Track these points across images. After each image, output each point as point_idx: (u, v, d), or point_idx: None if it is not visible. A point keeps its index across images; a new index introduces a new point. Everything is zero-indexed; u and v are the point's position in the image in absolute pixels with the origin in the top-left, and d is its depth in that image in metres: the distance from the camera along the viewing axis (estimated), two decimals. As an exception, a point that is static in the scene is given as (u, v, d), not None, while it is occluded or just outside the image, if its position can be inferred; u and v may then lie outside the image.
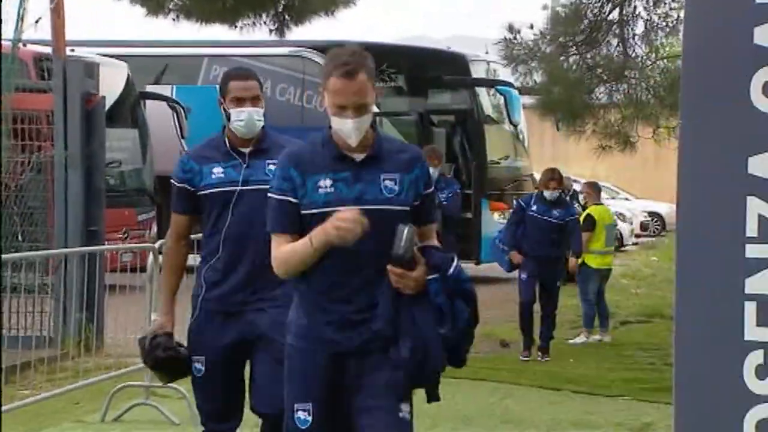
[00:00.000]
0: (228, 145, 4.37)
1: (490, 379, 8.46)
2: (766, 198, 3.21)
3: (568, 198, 10.09)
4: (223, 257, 4.30)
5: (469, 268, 15.82)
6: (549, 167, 10.10)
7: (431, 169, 9.16)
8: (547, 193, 9.63)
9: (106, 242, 9.81)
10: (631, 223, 23.95)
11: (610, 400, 8.01)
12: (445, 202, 10.11)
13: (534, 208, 9.63)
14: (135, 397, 7.09)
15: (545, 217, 9.61)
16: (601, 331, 10.85)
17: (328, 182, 3.49)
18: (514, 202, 9.95)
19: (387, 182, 3.51)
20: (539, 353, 9.59)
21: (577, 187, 15.77)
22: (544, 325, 9.70)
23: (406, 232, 3.38)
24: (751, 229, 3.23)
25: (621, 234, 22.35)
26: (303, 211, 3.50)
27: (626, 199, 27.37)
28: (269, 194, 3.57)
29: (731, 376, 3.18)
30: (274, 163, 4.11)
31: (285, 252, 3.51)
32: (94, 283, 8.53)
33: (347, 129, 3.45)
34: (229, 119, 4.36)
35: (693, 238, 3.32)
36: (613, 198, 26.30)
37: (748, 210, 3.23)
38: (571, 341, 10.54)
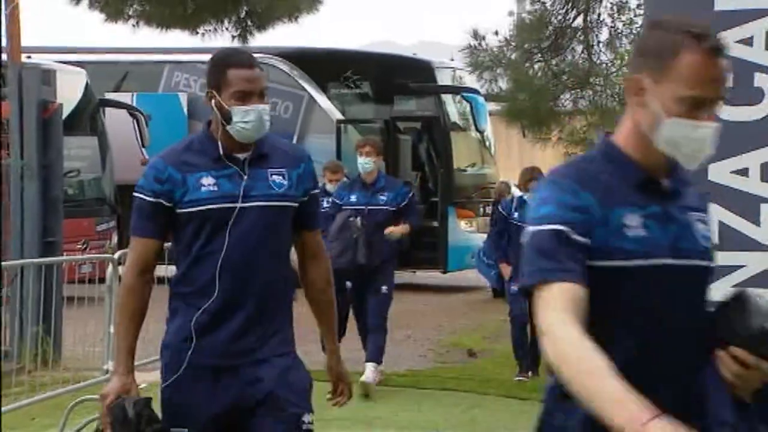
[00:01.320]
0: (222, 149, 3.35)
1: (458, 389, 8.36)
2: (725, 205, 3.19)
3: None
4: (220, 295, 3.30)
5: (436, 277, 15.76)
6: (528, 166, 9.13)
7: (371, 163, 8.73)
8: (527, 196, 8.59)
9: (64, 253, 9.64)
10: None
11: (577, 409, 7.97)
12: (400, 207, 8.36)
13: (516, 215, 8.66)
14: (93, 412, 6.91)
15: None
16: None
17: (638, 220, 2.25)
18: (489, 210, 9.39)
19: (700, 225, 2.33)
20: (529, 372, 8.65)
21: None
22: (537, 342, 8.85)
23: (765, 301, 2.29)
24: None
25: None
26: (600, 263, 2.22)
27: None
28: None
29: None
30: (277, 173, 3.36)
31: (572, 351, 2.10)
32: (52, 294, 8.38)
33: (703, 135, 2.23)
34: (228, 120, 3.30)
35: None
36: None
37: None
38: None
